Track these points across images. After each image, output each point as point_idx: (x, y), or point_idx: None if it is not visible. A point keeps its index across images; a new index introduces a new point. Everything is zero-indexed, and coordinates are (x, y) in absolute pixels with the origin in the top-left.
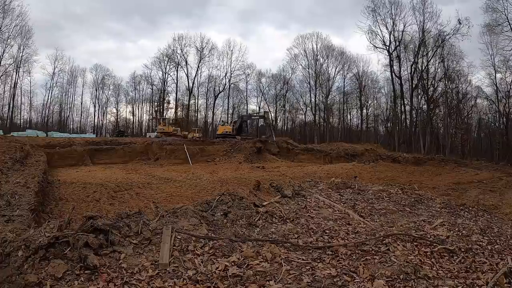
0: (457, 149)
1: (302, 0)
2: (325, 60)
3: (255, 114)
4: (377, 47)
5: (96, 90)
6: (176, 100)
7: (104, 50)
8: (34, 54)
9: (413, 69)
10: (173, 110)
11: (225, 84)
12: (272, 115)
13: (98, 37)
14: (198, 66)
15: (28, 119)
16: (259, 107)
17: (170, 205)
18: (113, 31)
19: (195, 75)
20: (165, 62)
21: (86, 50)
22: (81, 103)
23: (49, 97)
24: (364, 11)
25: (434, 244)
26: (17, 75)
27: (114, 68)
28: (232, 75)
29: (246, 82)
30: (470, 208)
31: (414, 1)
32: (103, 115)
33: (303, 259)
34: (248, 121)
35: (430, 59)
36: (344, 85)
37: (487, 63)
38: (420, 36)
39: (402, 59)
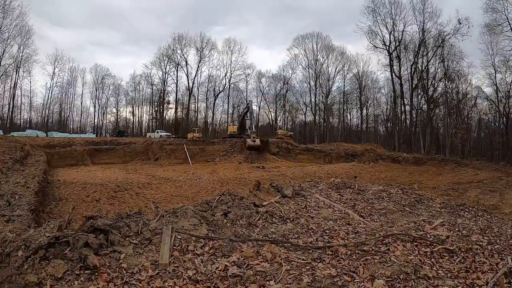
0: (457, 149)
1: (278, 31)
2: (325, 60)
3: (243, 109)
4: (377, 47)
5: (96, 90)
6: (176, 100)
7: (119, 64)
8: (34, 54)
9: (413, 69)
10: (173, 110)
11: (225, 84)
12: (272, 115)
13: (114, 55)
14: (198, 66)
15: (28, 119)
16: (259, 107)
17: (170, 205)
18: (127, 51)
19: (195, 75)
20: (165, 62)
21: (103, 64)
22: (81, 103)
23: (49, 97)
24: (364, 11)
25: (434, 244)
26: (17, 75)
27: (127, 76)
28: (232, 75)
29: (246, 82)
30: (470, 208)
31: (414, 1)
32: (103, 115)
33: (303, 259)
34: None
35: (430, 59)
36: (344, 85)
37: (487, 63)
38: (420, 36)
39: (402, 59)
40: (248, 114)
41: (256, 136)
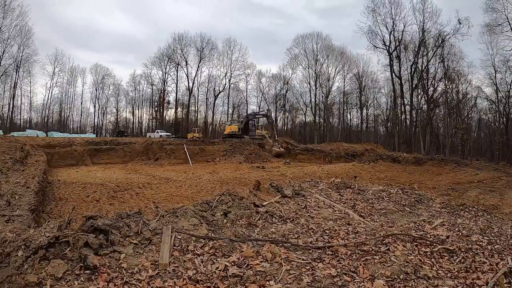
0: (457, 149)
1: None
2: (325, 60)
3: (259, 113)
4: (377, 47)
5: (96, 90)
6: (176, 100)
7: (129, 73)
8: (34, 54)
9: (413, 69)
10: (173, 110)
11: (225, 84)
12: (272, 115)
13: (127, 67)
14: (198, 66)
15: (28, 119)
16: (259, 107)
17: (170, 205)
18: (138, 66)
19: (195, 75)
20: (165, 62)
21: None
22: (81, 103)
23: (49, 97)
24: (364, 11)
25: (434, 244)
26: (17, 75)
27: (127, 76)
28: (232, 75)
29: (246, 82)
30: (470, 208)
31: (414, 1)
32: (103, 115)
33: (303, 259)
34: (254, 119)
35: (430, 59)
36: (344, 85)
37: (487, 63)
38: (420, 36)
39: (402, 59)
40: (269, 122)
41: (278, 143)
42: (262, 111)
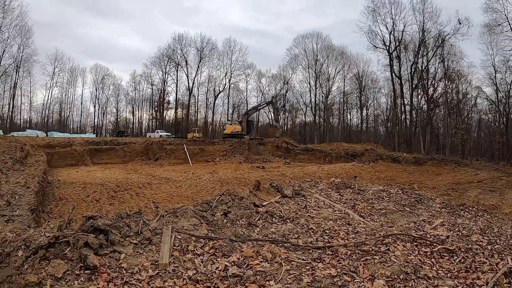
0: (457, 149)
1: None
2: (325, 60)
3: (261, 104)
4: (377, 47)
5: (96, 90)
6: (176, 100)
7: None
8: (34, 54)
9: (413, 69)
10: (173, 110)
11: (225, 84)
12: (272, 115)
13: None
14: (198, 66)
15: (28, 119)
16: None
17: (170, 205)
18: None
19: (195, 75)
20: (165, 62)
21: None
22: (81, 103)
23: (49, 97)
24: (364, 11)
25: (434, 244)
26: (17, 75)
27: (127, 76)
28: (232, 75)
29: (246, 82)
30: (470, 208)
31: (414, 1)
32: (103, 115)
33: (303, 259)
34: (254, 116)
35: (430, 59)
36: (344, 85)
37: (487, 63)
38: (420, 36)
39: (402, 59)
40: (275, 109)
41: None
42: (264, 101)
